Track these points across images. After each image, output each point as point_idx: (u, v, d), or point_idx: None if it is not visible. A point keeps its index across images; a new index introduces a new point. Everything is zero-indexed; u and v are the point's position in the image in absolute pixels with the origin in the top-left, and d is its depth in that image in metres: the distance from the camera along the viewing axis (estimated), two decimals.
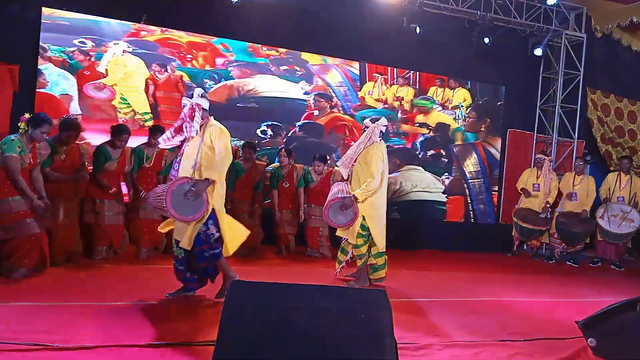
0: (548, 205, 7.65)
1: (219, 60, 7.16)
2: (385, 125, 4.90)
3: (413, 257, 7.18)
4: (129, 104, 6.71)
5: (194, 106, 3.80)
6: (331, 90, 7.76)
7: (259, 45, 7.42)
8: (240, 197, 6.12)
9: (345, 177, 5.02)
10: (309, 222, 6.48)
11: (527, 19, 8.45)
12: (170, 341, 2.91)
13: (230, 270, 3.96)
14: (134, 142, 5.69)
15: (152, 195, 3.91)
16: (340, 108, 7.83)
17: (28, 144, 4.25)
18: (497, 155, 8.82)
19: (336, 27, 7.48)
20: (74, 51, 6.43)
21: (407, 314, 3.99)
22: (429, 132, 8.42)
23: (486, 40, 7.94)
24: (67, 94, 6.40)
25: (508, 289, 5.45)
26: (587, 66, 8.79)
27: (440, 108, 8.39)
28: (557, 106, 8.79)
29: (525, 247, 8.42)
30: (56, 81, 6.34)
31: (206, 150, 3.81)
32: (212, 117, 3.95)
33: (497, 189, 8.83)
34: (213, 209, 3.79)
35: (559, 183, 7.85)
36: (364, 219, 4.72)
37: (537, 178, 7.83)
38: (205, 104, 3.87)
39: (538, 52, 8.39)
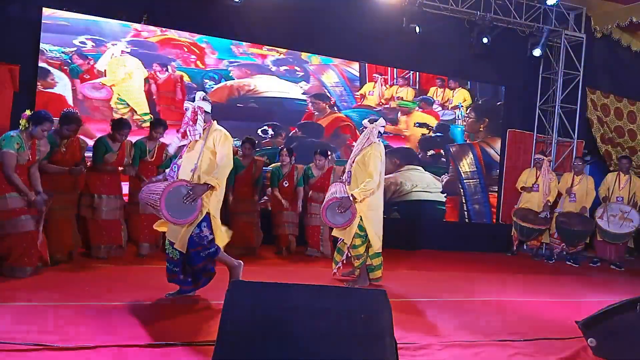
0: (548, 204, 7.66)
1: (208, 60, 7.15)
2: (383, 126, 4.92)
3: (413, 257, 7.18)
4: (127, 104, 6.71)
5: (196, 109, 3.79)
6: (326, 91, 7.75)
7: (260, 45, 7.43)
8: (239, 195, 6.11)
9: (343, 180, 5.03)
10: (310, 221, 6.48)
11: (526, 19, 8.45)
12: (170, 341, 2.91)
13: (233, 260, 3.96)
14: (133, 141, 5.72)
15: (145, 191, 3.90)
16: (335, 108, 7.83)
17: (28, 141, 4.25)
18: (495, 155, 8.82)
19: (336, 28, 7.49)
20: (73, 55, 6.44)
21: (407, 314, 3.99)
22: (428, 132, 8.42)
23: (485, 40, 7.94)
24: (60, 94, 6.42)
25: (508, 289, 5.45)
26: (587, 66, 8.79)
27: (421, 109, 8.35)
28: (556, 106, 8.79)
29: (525, 247, 8.42)
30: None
31: (208, 154, 3.80)
32: (215, 121, 3.94)
33: (495, 189, 8.83)
34: (208, 212, 3.78)
35: (558, 183, 7.86)
36: (361, 219, 4.73)
37: (537, 178, 7.85)
38: (208, 107, 3.86)
39: (537, 52, 8.39)
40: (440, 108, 8.49)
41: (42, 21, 6.26)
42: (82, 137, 5.22)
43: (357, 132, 7.60)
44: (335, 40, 7.58)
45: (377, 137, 4.83)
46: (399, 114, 8.19)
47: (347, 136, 7.80)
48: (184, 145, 3.95)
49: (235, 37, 7.25)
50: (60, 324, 3.07)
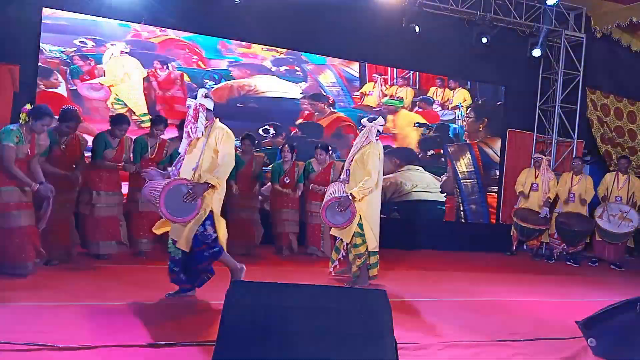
0: (549, 200, 7.66)
1: (208, 60, 7.15)
2: (382, 125, 4.94)
3: (413, 257, 7.18)
4: (124, 104, 6.70)
5: (198, 107, 3.77)
6: (323, 91, 7.73)
7: (260, 45, 7.43)
8: (239, 191, 6.09)
9: (341, 179, 5.03)
10: (310, 219, 6.48)
11: (527, 19, 8.45)
12: (170, 341, 2.91)
13: (236, 263, 3.95)
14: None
15: (147, 187, 3.89)
16: (331, 108, 7.81)
17: (27, 135, 4.23)
18: (494, 155, 8.81)
19: (336, 28, 7.48)
20: (73, 55, 6.44)
21: (407, 314, 4.00)
22: (428, 132, 8.42)
23: (484, 40, 7.93)
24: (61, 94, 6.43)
25: (508, 289, 5.45)
26: (587, 66, 8.79)
27: (410, 107, 8.29)
28: (556, 106, 8.79)
29: (525, 247, 8.42)
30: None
31: (210, 153, 3.77)
32: (217, 119, 3.91)
33: (494, 189, 8.83)
34: (211, 211, 3.76)
35: (557, 183, 7.87)
36: (360, 218, 4.73)
37: (536, 177, 7.86)
38: (210, 105, 3.83)
39: (536, 53, 8.40)
40: (440, 108, 8.49)
41: (42, 21, 6.26)
42: (81, 135, 5.22)
43: (358, 131, 7.60)
44: (335, 40, 7.58)
45: (376, 136, 4.84)
46: (386, 112, 8.09)
47: (351, 136, 7.78)
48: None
49: (235, 37, 7.25)
50: (60, 324, 3.07)
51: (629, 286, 6.12)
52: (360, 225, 4.74)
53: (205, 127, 3.80)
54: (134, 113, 6.74)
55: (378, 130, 4.87)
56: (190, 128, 3.79)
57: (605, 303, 3.39)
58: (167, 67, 6.91)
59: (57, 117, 4.81)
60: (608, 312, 3.21)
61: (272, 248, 6.49)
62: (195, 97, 3.86)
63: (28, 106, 4.26)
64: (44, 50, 6.29)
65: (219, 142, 3.77)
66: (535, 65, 8.86)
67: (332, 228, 4.97)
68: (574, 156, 8.42)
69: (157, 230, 4.03)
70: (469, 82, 8.67)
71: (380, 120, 4.93)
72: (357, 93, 7.98)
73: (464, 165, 8.59)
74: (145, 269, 5.03)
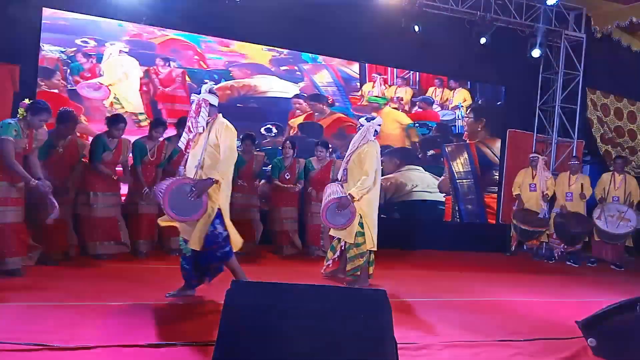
0: (547, 197, 7.68)
1: (208, 60, 7.15)
2: (380, 125, 4.94)
3: (413, 257, 7.18)
4: (122, 104, 6.70)
5: (201, 102, 3.74)
6: (317, 90, 7.71)
7: (260, 45, 7.43)
8: (239, 190, 6.09)
9: (339, 178, 5.04)
10: (310, 219, 6.48)
11: (526, 19, 8.45)
12: (170, 341, 2.91)
13: (241, 271, 3.93)
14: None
15: (157, 188, 3.89)
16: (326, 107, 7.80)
17: (25, 129, 4.24)
18: (492, 156, 8.81)
19: (336, 28, 7.48)
20: (76, 54, 6.44)
21: (407, 314, 4.00)
22: (429, 133, 8.42)
23: (483, 40, 7.93)
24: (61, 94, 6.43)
25: (508, 289, 5.45)
26: (587, 66, 8.79)
27: (409, 107, 8.27)
28: (556, 106, 8.79)
29: (525, 247, 8.43)
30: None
31: (211, 148, 3.74)
32: (220, 114, 3.89)
33: (493, 189, 8.83)
34: (219, 209, 3.74)
35: (555, 183, 7.88)
36: (361, 217, 4.74)
37: (533, 177, 7.86)
38: (214, 100, 3.80)
39: (536, 53, 8.40)
40: (439, 108, 8.49)
41: (42, 21, 6.26)
42: (79, 137, 5.23)
43: (356, 130, 7.59)
44: (335, 40, 7.57)
45: (373, 136, 4.85)
46: (370, 110, 7.99)
47: (353, 136, 7.76)
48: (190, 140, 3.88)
49: (235, 37, 7.25)
50: (60, 324, 3.07)
51: (629, 286, 6.12)
52: (361, 225, 4.75)
53: (207, 123, 3.77)
54: (134, 113, 6.74)
55: (376, 130, 4.88)
56: (192, 123, 3.75)
57: (605, 303, 3.39)
58: (169, 65, 6.91)
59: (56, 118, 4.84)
60: (608, 312, 3.21)
61: (270, 247, 6.48)
62: (200, 93, 3.83)
63: (27, 101, 4.29)
64: (44, 50, 6.29)
65: (219, 136, 3.73)
66: (535, 65, 8.86)
67: (332, 229, 4.96)
68: (570, 156, 8.42)
69: (163, 223, 4.00)
70: (469, 82, 8.67)
71: (378, 119, 4.94)
72: (358, 93, 7.97)
73: (460, 165, 8.58)
74: (145, 269, 5.03)
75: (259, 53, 7.43)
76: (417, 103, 8.37)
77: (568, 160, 8.31)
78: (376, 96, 8.07)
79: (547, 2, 8.11)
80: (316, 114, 7.71)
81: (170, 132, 5.98)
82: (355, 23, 7.53)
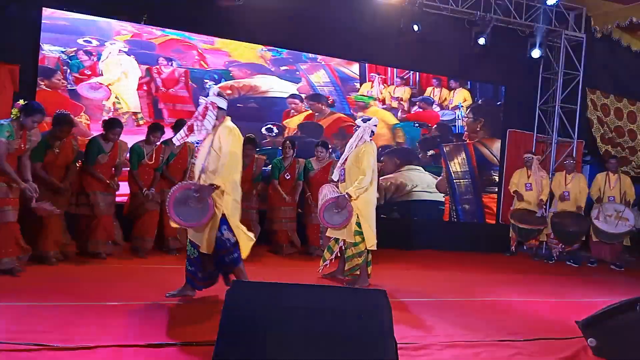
0: (542, 203, 7.72)
1: (208, 60, 7.14)
2: (376, 125, 4.97)
3: (413, 257, 7.18)
4: (122, 103, 6.70)
5: (208, 105, 3.70)
6: (312, 90, 7.69)
7: (260, 45, 7.42)
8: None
9: (335, 179, 5.04)
10: (309, 219, 6.48)
11: (526, 19, 8.45)
12: (170, 341, 2.91)
13: (246, 276, 3.89)
14: (133, 140, 5.79)
15: (168, 194, 3.87)
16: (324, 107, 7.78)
17: (18, 130, 4.23)
18: (490, 156, 8.80)
19: (336, 28, 7.48)
20: (78, 51, 6.45)
21: (407, 314, 4.00)
22: (428, 133, 8.42)
23: (481, 41, 7.92)
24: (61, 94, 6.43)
25: (508, 289, 5.45)
26: (587, 66, 8.79)
27: (381, 104, 8.17)
28: (556, 106, 8.79)
29: (525, 247, 8.43)
30: None
31: (215, 153, 3.69)
32: (228, 118, 3.85)
33: (492, 189, 8.82)
34: (224, 215, 3.70)
35: (551, 182, 7.89)
36: (358, 217, 4.75)
37: (528, 177, 7.88)
38: (222, 103, 3.76)
39: (536, 54, 8.41)
40: (438, 108, 8.49)
41: (42, 21, 6.26)
42: (75, 139, 5.24)
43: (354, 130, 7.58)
44: (335, 40, 7.57)
45: (370, 136, 4.87)
46: (356, 109, 7.98)
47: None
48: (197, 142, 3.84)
49: (235, 37, 7.25)
50: (60, 324, 3.07)
51: (629, 286, 6.13)
52: (358, 224, 4.76)
53: (214, 126, 3.74)
54: (133, 113, 6.75)
55: (372, 131, 4.90)
56: (196, 124, 3.70)
57: (605, 303, 3.39)
58: (171, 65, 6.92)
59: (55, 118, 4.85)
60: (608, 312, 3.21)
61: (269, 247, 6.48)
62: (207, 95, 3.79)
63: (21, 102, 4.29)
64: (44, 50, 6.29)
65: (222, 141, 3.69)
66: (535, 65, 8.86)
67: (330, 229, 4.97)
68: (565, 155, 8.43)
69: (174, 225, 3.95)
70: (469, 82, 8.67)
71: (374, 120, 4.98)
72: (357, 93, 7.96)
73: (457, 165, 8.58)
74: (146, 269, 5.03)
75: (259, 53, 7.43)
76: (417, 103, 8.37)
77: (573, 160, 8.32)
78: (362, 95, 8.01)
79: (547, 2, 8.12)
80: (316, 113, 7.71)
81: (169, 134, 5.99)
82: (355, 23, 7.54)
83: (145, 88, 6.81)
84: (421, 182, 8.31)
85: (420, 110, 8.38)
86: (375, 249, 4.91)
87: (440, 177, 8.46)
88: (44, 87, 6.29)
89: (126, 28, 6.72)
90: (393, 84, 8.21)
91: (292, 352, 2.24)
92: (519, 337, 3.51)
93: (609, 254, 7.61)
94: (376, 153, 4.96)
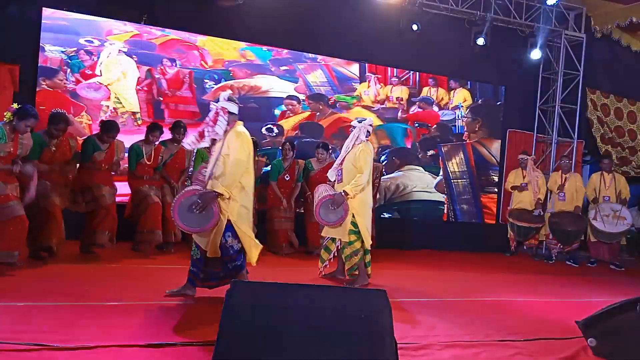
0: (540, 201, 7.74)
1: (208, 60, 7.15)
2: (371, 125, 4.98)
3: (413, 257, 7.18)
4: (121, 103, 6.71)
5: (219, 110, 3.68)
6: (309, 90, 7.68)
7: (260, 45, 7.43)
8: None
9: (332, 180, 5.05)
10: (310, 219, 6.48)
11: (526, 19, 8.46)
12: (170, 341, 2.91)
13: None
14: (132, 139, 5.83)
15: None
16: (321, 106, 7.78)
17: (10, 133, 4.24)
18: (489, 156, 8.81)
19: (336, 28, 7.49)
20: (78, 51, 6.45)
21: (407, 314, 3.99)
22: (428, 133, 8.43)
23: (480, 41, 7.91)
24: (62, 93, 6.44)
25: (508, 289, 5.45)
26: (587, 66, 8.80)
27: (406, 107, 8.24)
28: (556, 106, 8.80)
29: (524, 247, 8.44)
30: None
31: (223, 159, 3.67)
32: (240, 122, 3.82)
33: (491, 189, 8.83)
34: (230, 221, 3.68)
35: (547, 181, 7.91)
36: (353, 216, 4.76)
37: (524, 178, 7.89)
38: (233, 108, 3.74)
39: (535, 55, 8.41)
40: (437, 108, 8.49)
41: (42, 21, 6.26)
42: (72, 138, 5.26)
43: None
44: (335, 40, 7.58)
45: (366, 136, 4.88)
46: (339, 109, 7.96)
47: None
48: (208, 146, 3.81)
49: (235, 37, 7.25)
50: (60, 324, 3.07)
51: (629, 286, 6.12)
52: (353, 223, 4.76)
53: (225, 132, 3.71)
54: (133, 113, 6.75)
55: (368, 131, 4.91)
56: (207, 130, 3.68)
57: (605, 303, 3.38)
58: (176, 65, 6.92)
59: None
60: (608, 312, 3.21)
61: (266, 246, 6.47)
62: (218, 101, 3.77)
63: (15, 105, 4.30)
64: (47, 50, 6.29)
65: (230, 147, 3.66)
66: (535, 65, 8.86)
67: (325, 229, 4.97)
68: (561, 155, 8.44)
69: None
70: (469, 82, 8.67)
71: (369, 120, 5.00)
72: (355, 93, 7.96)
73: (455, 165, 8.58)
74: (146, 269, 5.03)
75: (259, 53, 7.43)
76: (417, 103, 8.37)
77: (569, 159, 8.34)
78: (345, 95, 7.98)
79: (547, 2, 8.12)
80: (317, 113, 7.71)
81: (168, 135, 6.02)
82: (355, 23, 7.54)
83: (145, 89, 6.82)
84: (421, 182, 8.32)
85: (420, 110, 8.38)
86: (370, 248, 4.91)
87: (440, 178, 8.46)
88: (46, 87, 6.30)
89: (124, 28, 6.73)
90: (390, 84, 8.20)
91: (292, 352, 2.24)
92: (519, 337, 3.50)
93: (608, 254, 7.62)
94: (373, 153, 4.98)
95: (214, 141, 3.81)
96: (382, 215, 7.95)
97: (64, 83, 6.40)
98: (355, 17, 7.57)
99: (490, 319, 4.06)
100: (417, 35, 7.69)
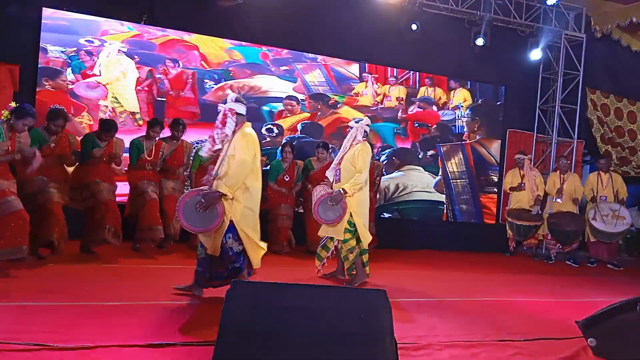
0: (539, 198, 7.73)
1: (208, 60, 7.15)
2: (368, 125, 4.99)
3: (413, 257, 7.18)
4: (120, 103, 6.71)
5: (227, 112, 3.69)
6: (306, 89, 7.67)
7: (260, 45, 7.42)
8: None
9: (330, 179, 5.06)
10: (310, 216, 6.48)
11: (527, 19, 8.46)
12: (170, 341, 2.91)
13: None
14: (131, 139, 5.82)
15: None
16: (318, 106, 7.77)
17: (8, 132, 4.25)
18: (488, 156, 8.81)
19: (336, 28, 7.49)
20: (80, 52, 6.46)
21: (407, 313, 3.99)
22: (428, 133, 8.43)
23: (479, 41, 7.91)
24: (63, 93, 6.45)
25: (508, 289, 5.45)
26: (587, 66, 8.80)
27: (405, 107, 8.21)
28: (556, 106, 8.80)
29: (524, 248, 8.44)
30: None
31: (229, 159, 3.68)
32: (248, 123, 3.83)
33: (489, 189, 8.83)
34: (232, 222, 3.68)
35: (545, 182, 7.92)
36: (351, 215, 4.76)
37: (521, 178, 7.89)
38: (240, 109, 3.74)
39: (535, 55, 8.41)
40: (435, 108, 8.49)
41: (42, 21, 6.26)
42: (71, 134, 5.28)
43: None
44: (335, 40, 7.58)
45: (363, 136, 4.88)
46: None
47: None
48: (219, 149, 3.80)
49: (235, 37, 7.25)
50: (60, 324, 3.07)
51: (629, 286, 6.12)
52: (349, 223, 4.77)
53: (233, 132, 3.71)
54: (132, 112, 6.75)
55: (365, 131, 4.92)
56: (217, 133, 3.69)
57: (605, 303, 3.39)
58: (179, 66, 6.92)
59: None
60: (608, 312, 3.21)
61: (268, 243, 6.47)
62: (225, 102, 3.77)
63: (13, 104, 4.31)
64: (49, 51, 6.30)
65: (236, 147, 3.67)
66: (535, 65, 8.87)
67: (322, 228, 4.98)
68: (559, 155, 8.45)
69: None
70: (469, 82, 8.67)
71: (366, 120, 5.01)
72: (352, 92, 7.96)
73: (454, 165, 8.58)
74: (146, 269, 5.03)
75: (245, 51, 7.40)
76: (417, 103, 8.36)
77: (568, 159, 8.34)
78: (339, 95, 7.95)
79: (547, 2, 8.12)
80: (318, 113, 7.71)
81: (167, 133, 6.03)
82: (355, 23, 7.55)
83: (146, 89, 6.81)
84: (421, 182, 8.32)
85: (420, 110, 8.38)
86: (367, 247, 4.91)
87: (438, 178, 8.46)
88: (49, 88, 6.30)
89: (124, 28, 6.72)
90: (387, 84, 8.19)
91: (292, 352, 2.24)
92: (518, 337, 3.50)
93: (607, 254, 7.62)
94: (371, 153, 5.00)
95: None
96: (382, 215, 7.95)
97: (67, 84, 6.40)
98: (355, 17, 7.57)
99: (490, 319, 4.07)
100: (417, 35, 7.69)
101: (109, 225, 5.18)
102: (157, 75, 6.87)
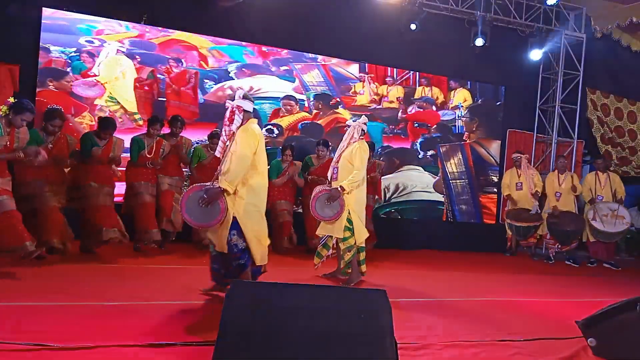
0: (538, 194, 7.73)
1: (208, 60, 7.15)
2: (366, 124, 4.99)
3: (413, 257, 7.18)
4: (117, 101, 6.71)
5: (234, 109, 3.70)
6: (304, 89, 7.67)
7: (260, 45, 7.42)
8: None
9: (328, 178, 5.06)
10: (308, 215, 6.48)
11: (527, 19, 8.46)
12: (170, 341, 2.91)
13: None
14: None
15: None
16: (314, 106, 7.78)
17: (6, 127, 4.24)
18: (487, 156, 8.81)
19: (336, 28, 7.49)
20: (79, 51, 6.45)
21: (407, 313, 3.99)
22: (428, 133, 8.42)
23: (479, 41, 7.91)
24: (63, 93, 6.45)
25: (508, 289, 5.45)
26: (587, 66, 8.80)
27: (404, 106, 8.21)
28: (556, 106, 8.80)
29: (524, 248, 8.44)
30: None
31: (231, 155, 3.67)
32: (254, 120, 3.83)
33: (489, 189, 8.84)
34: (235, 218, 3.68)
35: (543, 182, 7.93)
36: (349, 212, 4.77)
37: (519, 177, 7.89)
38: (248, 106, 3.75)
39: (535, 56, 8.40)
40: (434, 108, 8.49)
41: (42, 21, 6.26)
42: (69, 134, 5.29)
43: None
44: (335, 40, 7.58)
45: (360, 135, 4.88)
46: (313, 109, 7.88)
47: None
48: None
49: (235, 37, 7.25)
50: (60, 324, 3.07)
51: (628, 286, 6.12)
52: (348, 220, 4.78)
53: (237, 129, 3.72)
54: (131, 112, 6.74)
55: (362, 130, 4.93)
56: (224, 130, 3.71)
57: (605, 303, 3.38)
58: (182, 64, 6.92)
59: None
60: (608, 312, 3.20)
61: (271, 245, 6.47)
62: (233, 99, 3.77)
63: (11, 99, 4.30)
64: (52, 51, 6.30)
65: (237, 143, 3.67)
66: (535, 65, 8.87)
67: (321, 226, 4.97)
68: (557, 155, 8.46)
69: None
70: (469, 82, 8.67)
71: (363, 119, 5.03)
72: (350, 92, 7.96)
73: (454, 165, 8.58)
74: (146, 269, 5.03)
75: (259, 53, 7.43)
76: (417, 103, 8.36)
77: (568, 159, 8.34)
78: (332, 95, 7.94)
79: (547, 2, 8.12)
80: (320, 113, 7.72)
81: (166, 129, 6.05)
82: (355, 23, 7.54)
83: (147, 88, 6.81)
84: (421, 182, 8.32)
85: (420, 110, 8.37)
86: (364, 246, 4.91)
87: (437, 178, 8.46)
88: (52, 88, 6.31)
89: (123, 28, 6.72)
90: (385, 84, 8.18)
91: (292, 352, 2.24)
92: (518, 337, 3.50)
93: (606, 254, 7.63)
94: (368, 152, 5.02)
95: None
96: (381, 215, 7.95)
97: (70, 85, 6.41)
98: (355, 17, 7.57)
99: (490, 319, 4.06)
100: (416, 35, 7.69)
101: (106, 227, 5.15)
102: (159, 75, 6.87)
